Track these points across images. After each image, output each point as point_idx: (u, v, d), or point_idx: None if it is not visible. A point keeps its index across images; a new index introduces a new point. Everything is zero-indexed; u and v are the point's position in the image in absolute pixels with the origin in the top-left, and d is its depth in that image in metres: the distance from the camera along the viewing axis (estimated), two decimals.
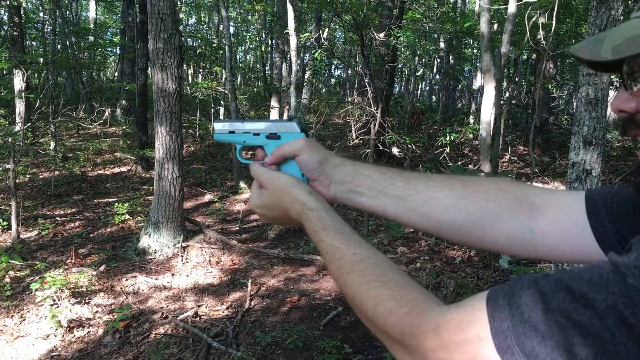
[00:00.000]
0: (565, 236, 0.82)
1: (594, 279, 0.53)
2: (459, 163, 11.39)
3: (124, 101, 18.49)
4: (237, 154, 1.08)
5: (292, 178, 0.96)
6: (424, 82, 29.28)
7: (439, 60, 20.50)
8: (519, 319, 0.55)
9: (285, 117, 11.13)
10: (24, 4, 13.80)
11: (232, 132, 1.06)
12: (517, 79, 16.86)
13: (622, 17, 4.33)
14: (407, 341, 0.64)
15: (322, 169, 0.97)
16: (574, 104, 14.57)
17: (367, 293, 0.72)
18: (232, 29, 25.27)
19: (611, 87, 12.36)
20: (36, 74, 16.45)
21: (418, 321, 0.64)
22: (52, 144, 11.96)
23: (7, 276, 5.65)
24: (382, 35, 11.00)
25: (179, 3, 22.11)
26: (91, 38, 21.28)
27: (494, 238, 0.89)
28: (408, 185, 0.93)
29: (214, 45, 18.92)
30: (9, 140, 7.74)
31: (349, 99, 19.30)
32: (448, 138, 11.39)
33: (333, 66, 30.76)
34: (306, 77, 15.01)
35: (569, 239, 0.82)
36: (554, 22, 7.09)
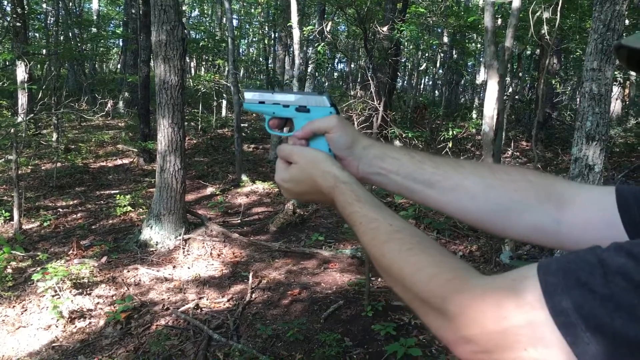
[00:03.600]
0: (592, 229, 0.82)
1: None
2: (462, 158, 11.38)
3: (126, 93, 18.50)
4: (265, 124, 1.08)
5: (324, 153, 0.96)
6: (427, 77, 29.22)
7: (442, 54, 20.43)
8: (574, 283, 0.54)
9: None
10: None
11: (262, 102, 1.06)
12: (520, 74, 16.80)
13: (626, 12, 4.31)
14: (448, 307, 0.63)
15: (352, 149, 0.97)
16: (578, 99, 14.54)
17: (406, 259, 0.72)
18: (235, 22, 25.21)
19: (615, 82, 12.32)
20: (39, 65, 16.43)
21: (462, 287, 0.63)
22: (55, 136, 11.98)
23: (9, 267, 5.66)
24: (385, 29, 10.97)
25: None
26: (94, 30, 21.24)
27: (520, 228, 0.89)
28: (437, 171, 0.93)
29: (216, 38, 18.90)
30: (12, 131, 7.74)
31: (352, 93, 19.27)
32: (450, 133, 11.38)
33: (336, 60, 30.74)
34: (309, 70, 14.96)
35: (597, 232, 0.81)
36: (558, 17, 7.05)
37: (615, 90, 14.04)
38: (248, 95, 1.08)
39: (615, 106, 15.22)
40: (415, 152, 0.97)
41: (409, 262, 0.71)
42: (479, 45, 22.24)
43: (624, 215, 0.79)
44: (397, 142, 11.57)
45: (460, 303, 0.62)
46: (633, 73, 17.35)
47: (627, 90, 18.42)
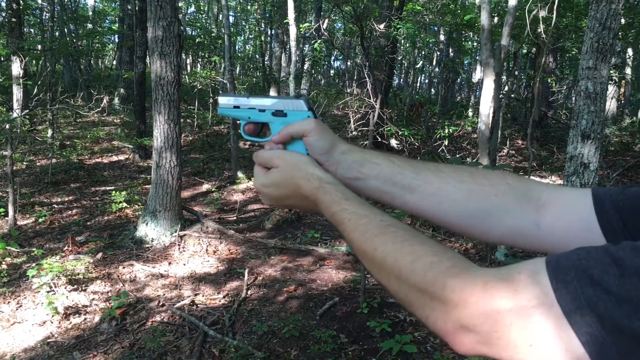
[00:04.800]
0: (571, 231, 0.82)
1: None
2: (457, 156, 11.40)
3: (122, 90, 18.43)
4: (241, 130, 1.06)
5: (306, 156, 0.95)
6: (423, 75, 29.25)
7: (438, 52, 20.46)
8: (587, 281, 0.53)
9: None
10: None
11: (237, 107, 1.04)
12: (516, 72, 16.84)
13: (622, 11, 4.32)
14: (448, 296, 0.62)
15: (330, 154, 0.96)
16: (573, 98, 14.57)
17: (402, 250, 0.71)
18: (231, 19, 25.18)
19: (610, 81, 12.36)
20: (34, 61, 16.37)
21: (464, 276, 0.62)
22: (50, 132, 11.93)
23: (3, 263, 5.65)
24: (382, 26, 10.97)
25: None
26: (90, 25, 21.17)
27: (500, 232, 0.89)
28: (417, 176, 0.92)
29: (213, 35, 18.88)
30: (7, 127, 7.71)
31: (348, 91, 19.27)
32: (447, 131, 11.41)
33: (332, 57, 30.72)
34: (305, 67, 14.96)
35: (575, 234, 0.81)
36: (554, 16, 7.07)
37: (611, 89, 14.08)
38: (222, 100, 1.04)
39: (611, 105, 15.26)
40: (395, 157, 0.96)
41: (405, 252, 0.70)
42: (475, 44, 22.27)
43: (601, 219, 0.79)
44: (393, 140, 11.58)
45: (462, 291, 0.61)
46: (628, 72, 17.41)
47: (622, 89, 18.49)
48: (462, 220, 0.91)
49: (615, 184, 8.67)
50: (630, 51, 17.35)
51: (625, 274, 0.52)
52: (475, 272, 0.62)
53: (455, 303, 0.61)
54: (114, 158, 12.16)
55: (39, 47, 15.77)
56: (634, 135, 14.30)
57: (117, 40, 21.92)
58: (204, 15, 31.99)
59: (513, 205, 0.87)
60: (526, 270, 0.59)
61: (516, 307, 0.56)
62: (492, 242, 0.96)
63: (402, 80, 31.54)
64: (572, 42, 13.38)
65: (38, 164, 10.87)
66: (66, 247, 6.11)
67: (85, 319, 4.60)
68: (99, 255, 5.94)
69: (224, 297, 5.05)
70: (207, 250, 6.27)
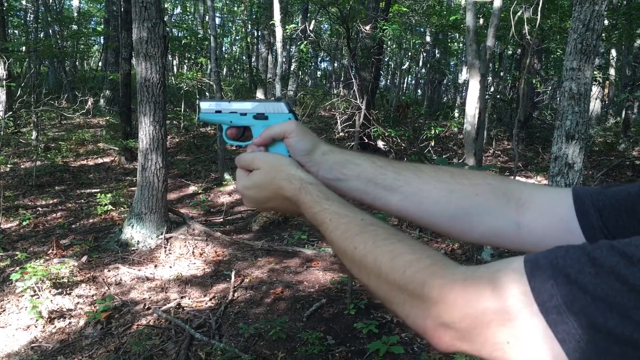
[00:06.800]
0: (551, 231, 0.83)
1: None
2: (444, 157, 11.44)
3: (107, 91, 18.27)
4: (223, 134, 1.06)
5: (287, 157, 0.95)
6: (409, 76, 29.35)
7: (424, 54, 20.54)
8: (563, 280, 0.54)
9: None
10: None
11: (218, 111, 1.04)
12: (502, 73, 16.96)
13: (605, 13, 4.36)
14: (428, 293, 0.62)
15: (311, 155, 0.96)
16: (558, 99, 14.70)
17: (382, 248, 0.71)
18: (217, 20, 25.10)
19: (594, 82, 12.47)
20: (18, 63, 16.20)
21: (443, 273, 0.62)
22: (34, 134, 11.81)
23: None
24: (368, 27, 10.98)
25: None
26: (74, 27, 20.98)
27: (481, 231, 0.89)
28: (399, 176, 0.92)
29: (199, 36, 18.81)
30: None
31: (335, 92, 19.29)
32: (433, 132, 11.43)
33: (319, 58, 30.75)
34: (292, 69, 14.96)
35: (555, 234, 0.82)
36: (538, 17, 7.12)
37: (595, 89, 14.21)
38: (204, 106, 1.05)
39: (595, 105, 15.41)
40: (377, 157, 0.96)
41: (384, 250, 0.70)
42: (461, 45, 22.40)
43: (581, 219, 0.80)
44: (380, 142, 11.60)
45: (441, 288, 0.61)
46: (612, 73, 17.60)
47: (606, 90, 18.68)
48: (443, 220, 0.91)
49: (599, 184, 8.75)
50: (613, 52, 17.55)
51: (601, 273, 0.53)
52: (455, 270, 0.62)
53: (434, 300, 0.62)
54: (100, 160, 12.05)
55: (23, 48, 15.61)
56: (618, 135, 14.45)
57: (102, 41, 21.76)
58: (190, 17, 31.87)
59: (493, 205, 0.88)
60: (505, 269, 0.59)
61: (494, 305, 0.57)
62: (473, 241, 0.97)
63: (388, 81, 31.63)
64: (556, 43, 13.50)
65: (22, 166, 10.75)
66: (50, 251, 6.04)
67: (70, 322, 4.55)
68: (84, 258, 5.89)
69: (210, 299, 5.02)
70: (193, 252, 6.23)
